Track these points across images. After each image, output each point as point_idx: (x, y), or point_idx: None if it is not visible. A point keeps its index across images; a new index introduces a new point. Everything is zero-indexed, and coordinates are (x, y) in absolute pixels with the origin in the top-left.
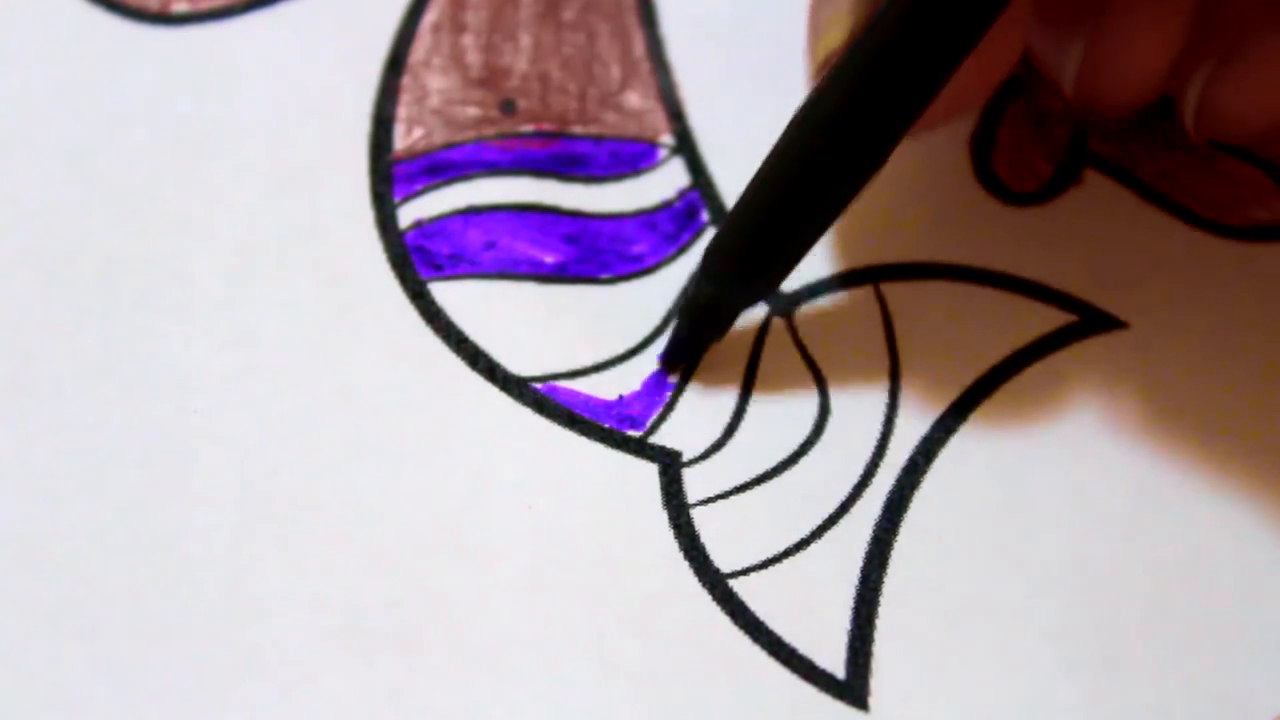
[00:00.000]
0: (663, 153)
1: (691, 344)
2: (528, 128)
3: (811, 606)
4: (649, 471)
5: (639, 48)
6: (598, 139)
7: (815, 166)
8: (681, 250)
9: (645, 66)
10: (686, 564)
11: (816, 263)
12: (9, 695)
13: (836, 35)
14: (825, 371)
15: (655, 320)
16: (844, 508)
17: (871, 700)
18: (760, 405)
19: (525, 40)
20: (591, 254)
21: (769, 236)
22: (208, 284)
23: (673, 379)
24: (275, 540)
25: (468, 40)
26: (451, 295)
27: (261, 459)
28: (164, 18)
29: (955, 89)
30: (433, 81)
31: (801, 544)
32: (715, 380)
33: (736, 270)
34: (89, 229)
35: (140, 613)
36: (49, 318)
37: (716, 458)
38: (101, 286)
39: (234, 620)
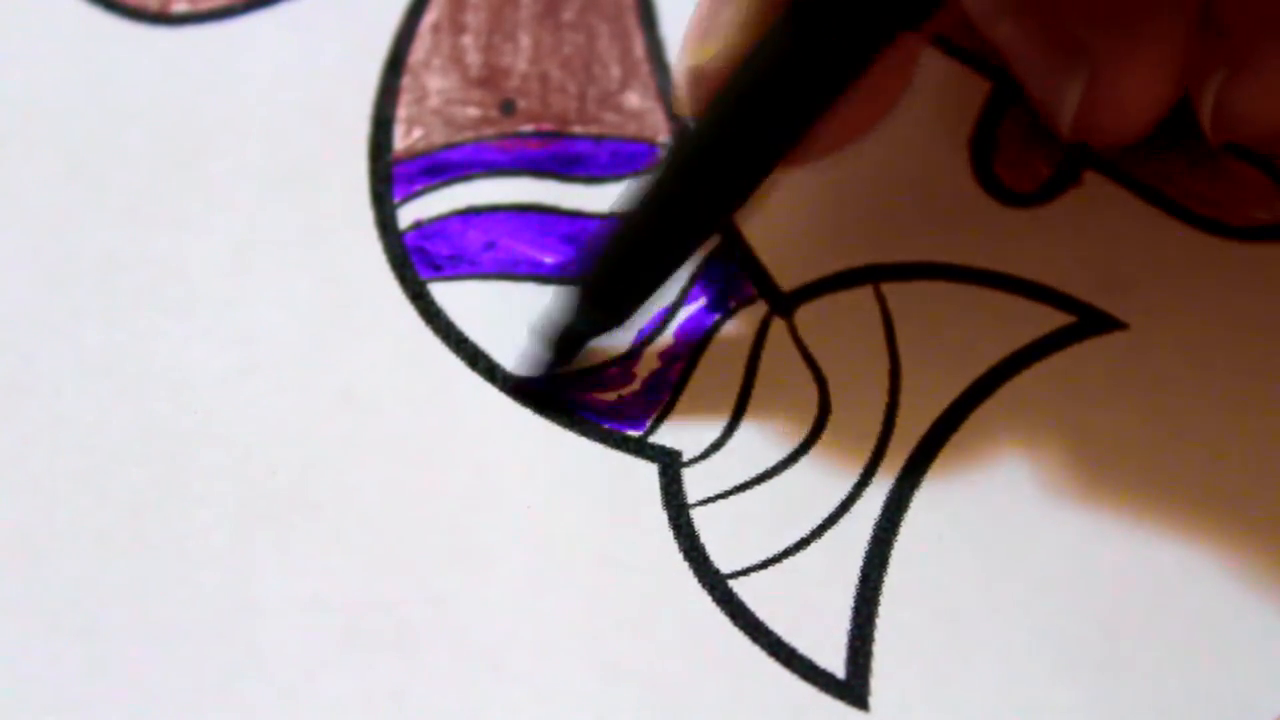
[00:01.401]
0: (662, 153)
1: (547, 370)
2: (527, 128)
3: (811, 606)
4: (649, 471)
5: (639, 48)
6: (597, 139)
7: (688, 196)
8: None
9: (645, 67)
10: (686, 564)
11: (816, 262)
12: (9, 695)
13: (711, 52)
14: (825, 371)
15: (655, 319)
16: (844, 508)
17: (872, 700)
18: (760, 405)
19: (525, 40)
20: None
21: (643, 268)
22: (207, 284)
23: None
24: (275, 540)
25: (467, 40)
26: (451, 296)
27: (261, 459)
28: (164, 18)
29: (841, 121)
30: (432, 82)
31: (801, 544)
32: (715, 380)
33: (610, 300)
34: (89, 229)
35: (140, 612)
36: (49, 318)
37: (716, 457)
38: (101, 286)
39: (234, 620)
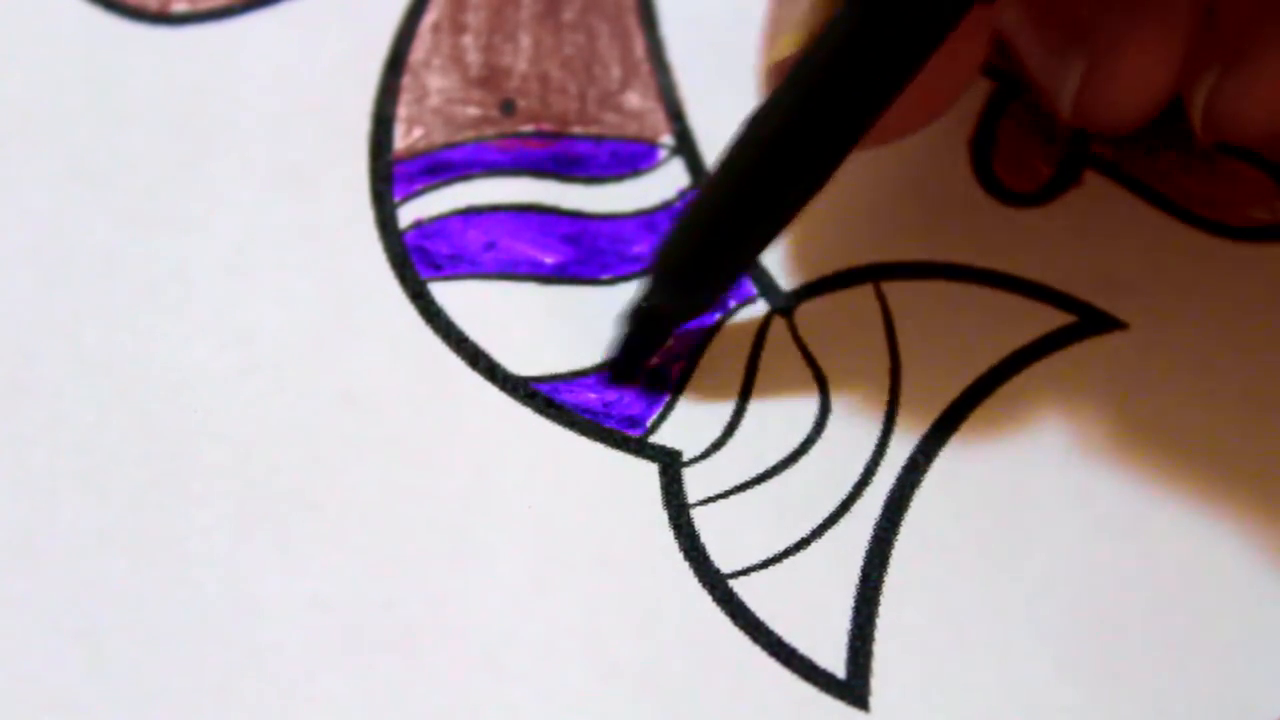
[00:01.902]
0: (663, 153)
1: (635, 356)
2: (528, 128)
3: (812, 606)
4: (649, 471)
5: (639, 48)
6: (598, 139)
7: (764, 176)
8: None
9: (645, 67)
10: (686, 564)
11: (816, 261)
12: (9, 695)
13: (788, 42)
14: (825, 370)
15: None
16: (844, 507)
17: (872, 700)
18: (760, 404)
19: (525, 40)
20: (591, 254)
21: (719, 247)
22: (207, 283)
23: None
24: (275, 540)
25: (468, 40)
26: (451, 295)
27: (261, 458)
28: (164, 17)
29: (913, 100)
30: (433, 81)
31: (802, 543)
32: (715, 380)
33: (686, 281)
34: (89, 228)
35: (139, 613)
36: (49, 317)
37: (717, 457)
38: (101, 286)
39: (234, 620)
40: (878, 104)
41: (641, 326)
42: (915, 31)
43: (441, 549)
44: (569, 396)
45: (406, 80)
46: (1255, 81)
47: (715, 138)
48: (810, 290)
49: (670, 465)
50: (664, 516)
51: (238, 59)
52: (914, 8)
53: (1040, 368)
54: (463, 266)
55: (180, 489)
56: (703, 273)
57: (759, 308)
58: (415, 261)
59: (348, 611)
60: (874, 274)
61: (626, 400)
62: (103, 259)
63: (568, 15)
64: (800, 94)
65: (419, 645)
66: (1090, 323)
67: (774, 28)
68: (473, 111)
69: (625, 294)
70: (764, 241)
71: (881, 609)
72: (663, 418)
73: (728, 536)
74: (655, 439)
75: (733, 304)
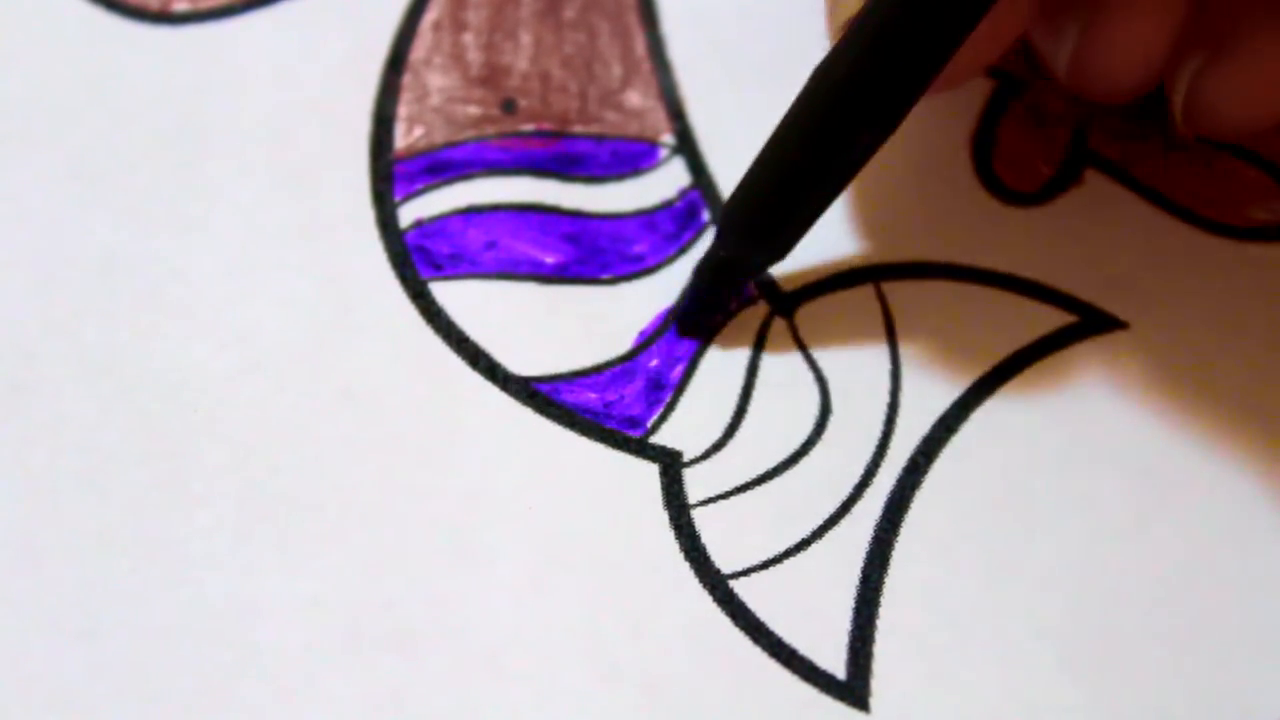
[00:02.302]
0: (663, 152)
1: (704, 307)
2: (528, 127)
3: (812, 607)
4: (649, 472)
5: (640, 47)
6: (598, 138)
7: (832, 124)
8: (682, 250)
9: (646, 66)
10: (687, 565)
11: (817, 262)
12: (10, 696)
13: (854, 2)
14: (826, 371)
15: (656, 319)
16: (845, 508)
17: (872, 701)
18: (761, 405)
19: (526, 39)
20: (592, 254)
21: (783, 195)
22: (208, 283)
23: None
24: (275, 540)
25: (468, 39)
26: (452, 295)
27: (262, 459)
28: (165, 17)
29: (966, 50)
30: (433, 80)
31: (802, 544)
32: (716, 380)
33: (751, 229)
34: (90, 228)
35: (140, 613)
36: (49, 317)
37: (717, 458)
38: (102, 286)
39: (234, 620)
40: (941, 52)
41: (710, 278)
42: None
43: (442, 549)
44: (569, 396)
45: (407, 79)
46: (1235, 73)
47: (716, 136)
48: (811, 291)
49: (671, 466)
50: (664, 517)
51: (238, 58)
52: None
53: (1041, 368)
54: (463, 266)
55: (181, 489)
56: (770, 222)
57: (760, 308)
58: (416, 261)
59: (348, 611)
60: (874, 274)
61: (627, 400)
62: (103, 258)
63: (568, 14)
64: (865, 43)
65: (419, 645)
66: (1091, 323)
67: None
68: (473, 110)
69: (626, 293)
70: (831, 192)
71: (882, 610)
72: (663, 418)
73: (728, 537)
74: (656, 439)
75: (734, 304)
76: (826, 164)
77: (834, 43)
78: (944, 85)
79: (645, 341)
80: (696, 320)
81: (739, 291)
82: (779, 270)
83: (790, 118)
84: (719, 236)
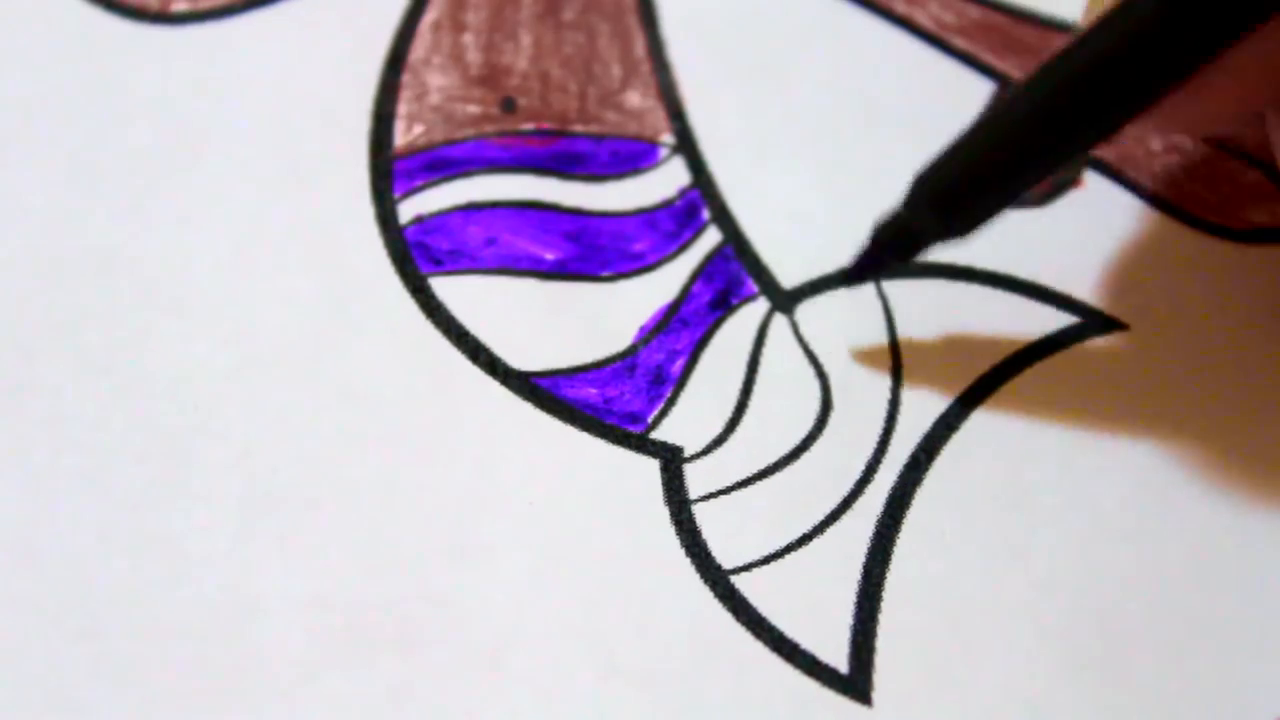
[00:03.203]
0: (663, 152)
1: (875, 264)
2: (528, 126)
3: (814, 602)
4: (650, 467)
5: (639, 47)
6: (598, 138)
7: (1052, 115)
8: (682, 249)
9: (645, 66)
10: (688, 560)
11: (818, 260)
12: (10, 695)
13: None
14: (827, 368)
15: (657, 315)
16: (846, 504)
17: (874, 695)
18: (762, 401)
19: (525, 39)
20: (592, 251)
21: (991, 177)
22: (208, 281)
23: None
24: (275, 538)
25: (468, 39)
26: (452, 290)
27: (262, 456)
28: (164, 17)
29: (1226, 90)
30: (433, 79)
31: (804, 540)
32: (717, 376)
33: (945, 202)
34: (89, 227)
35: (140, 611)
36: (49, 316)
37: (718, 453)
38: (101, 284)
39: (234, 618)
40: (1180, 69)
41: (891, 238)
42: (1225, 11)
43: (442, 546)
44: (570, 391)
45: (407, 78)
46: None
47: (715, 137)
48: (812, 288)
49: (671, 461)
50: (665, 513)
51: (238, 58)
52: None
53: (1041, 368)
54: (463, 262)
55: (180, 487)
56: (966, 200)
57: (761, 305)
58: (416, 257)
59: (348, 608)
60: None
61: (627, 396)
62: (103, 256)
63: (568, 14)
64: (1106, 41)
65: (420, 642)
66: (1091, 324)
67: None
68: (473, 109)
69: (626, 291)
70: (1033, 180)
71: (884, 605)
72: (664, 413)
73: (729, 533)
74: (656, 435)
75: (734, 301)
76: (1039, 154)
77: (1087, 22)
78: (1193, 127)
79: (646, 336)
80: (863, 275)
81: (908, 257)
82: (780, 268)
83: (1017, 99)
84: (909, 203)
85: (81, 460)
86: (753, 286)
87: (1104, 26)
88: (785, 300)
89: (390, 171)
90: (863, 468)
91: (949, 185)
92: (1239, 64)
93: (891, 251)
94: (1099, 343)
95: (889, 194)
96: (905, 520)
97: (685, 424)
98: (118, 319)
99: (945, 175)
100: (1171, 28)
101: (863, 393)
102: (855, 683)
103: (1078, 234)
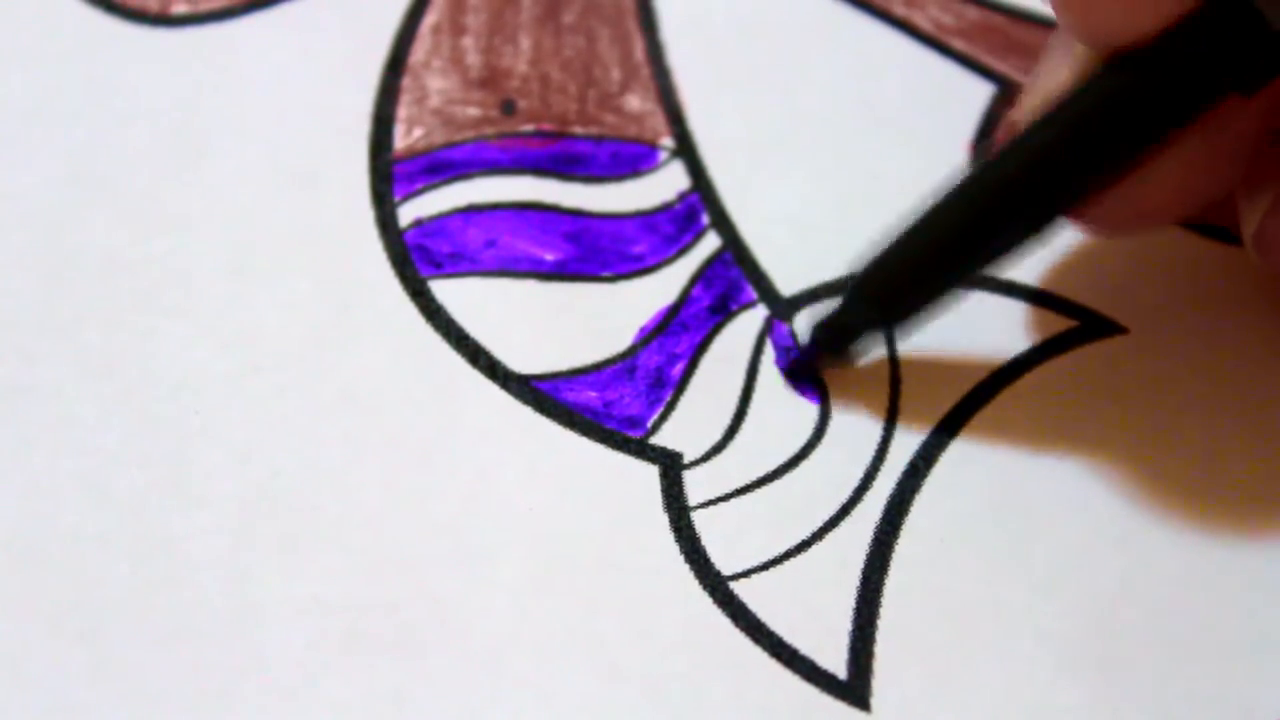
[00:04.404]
0: (663, 155)
1: (815, 360)
2: (528, 128)
3: (813, 608)
4: (650, 473)
5: (639, 51)
6: (598, 139)
7: (994, 219)
8: (682, 252)
9: (645, 70)
10: (687, 566)
11: (816, 266)
12: (9, 697)
13: (1031, 105)
14: (825, 375)
15: (656, 317)
16: (845, 510)
17: (873, 701)
18: (761, 408)
19: (525, 43)
20: (592, 252)
21: (925, 278)
22: (208, 284)
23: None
24: (276, 542)
25: (468, 42)
26: (451, 293)
27: (262, 459)
28: (164, 19)
29: (1167, 190)
30: (433, 82)
31: (802, 546)
32: (716, 383)
33: (884, 304)
34: (89, 230)
35: (140, 615)
36: (49, 318)
37: (718, 460)
38: (102, 287)
39: (234, 622)
40: (1105, 176)
41: (829, 338)
42: (1149, 116)
43: (442, 550)
44: (570, 395)
45: (406, 81)
46: None
47: (715, 141)
48: (810, 295)
49: (671, 467)
50: (665, 519)
51: (238, 60)
52: (1162, 85)
53: (1041, 372)
54: (463, 264)
55: (181, 490)
56: (903, 300)
57: (759, 311)
58: (415, 260)
59: (348, 612)
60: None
61: (627, 399)
62: (103, 260)
63: (568, 18)
64: (1029, 146)
65: (420, 647)
66: (1091, 328)
67: (1030, 86)
68: (473, 112)
69: (626, 292)
70: (968, 278)
71: (882, 611)
72: (664, 418)
73: (729, 539)
74: (656, 440)
75: (733, 307)
76: (978, 255)
77: (1023, 114)
78: (1137, 225)
79: (646, 338)
80: (807, 370)
81: (840, 349)
82: (778, 275)
83: (945, 202)
84: (849, 304)
85: (82, 463)
86: (752, 293)
87: (1036, 128)
88: (784, 307)
89: (390, 175)
90: (861, 474)
91: (886, 288)
92: (1180, 157)
93: (833, 349)
94: (1098, 347)
95: (889, 199)
96: (904, 526)
97: (684, 430)
98: (118, 321)
99: (882, 278)
100: (1107, 124)
101: (861, 399)
102: (854, 688)
103: (1076, 237)
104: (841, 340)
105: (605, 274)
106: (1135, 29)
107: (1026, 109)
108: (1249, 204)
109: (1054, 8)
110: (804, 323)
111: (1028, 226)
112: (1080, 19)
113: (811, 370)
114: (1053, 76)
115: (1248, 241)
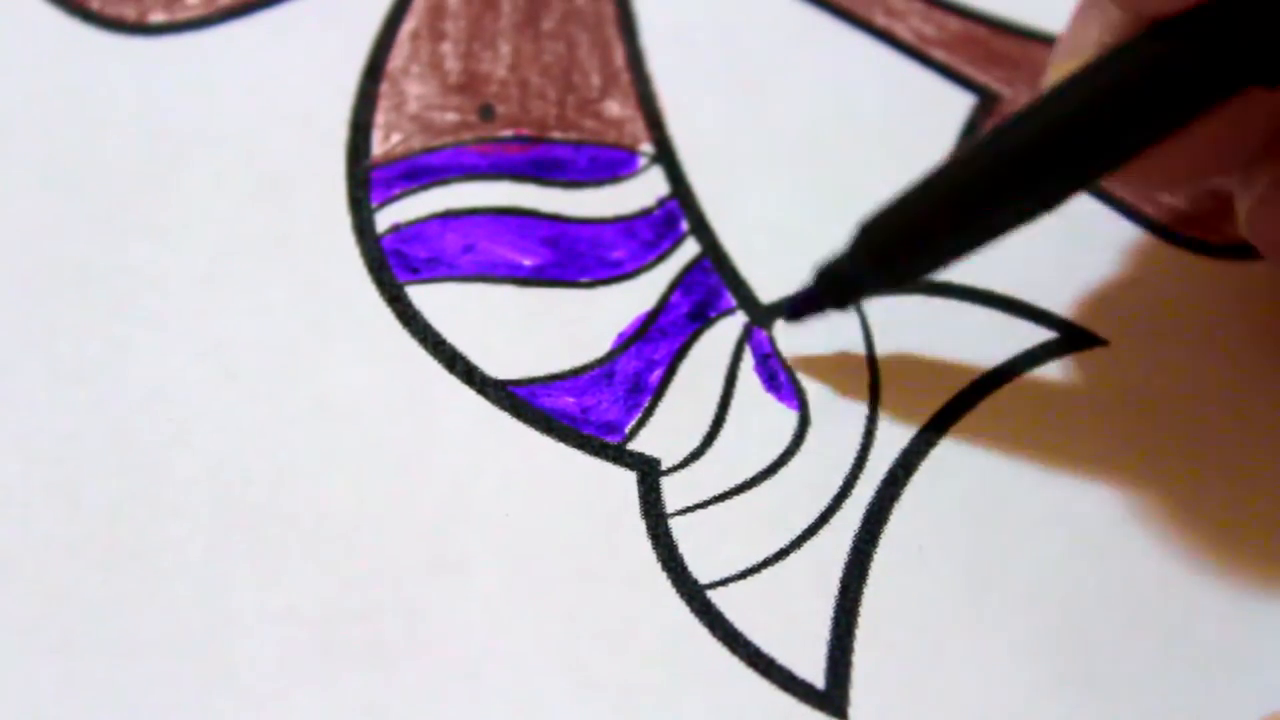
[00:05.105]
0: (642, 160)
1: (814, 307)
2: (506, 133)
3: (791, 617)
4: (628, 480)
5: (619, 57)
6: (577, 144)
7: (1001, 182)
8: (661, 258)
9: (625, 76)
10: (664, 575)
11: (797, 274)
12: None
13: (1070, 67)
14: (804, 382)
15: (635, 323)
16: (823, 519)
17: (851, 710)
18: (739, 415)
19: (504, 48)
20: (570, 257)
21: (929, 233)
22: (184, 291)
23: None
24: (249, 551)
25: (446, 48)
26: (429, 298)
27: (236, 468)
28: (141, 28)
29: (1187, 154)
30: (411, 88)
31: (780, 555)
32: (694, 389)
33: (887, 257)
34: (65, 238)
35: (113, 624)
36: (23, 327)
37: (695, 467)
38: (77, 295)
39: (208, 631)
40: (1131, 143)
41: (829, 286)
42: (1178, 93)
43: (418, 558)
44: (547, 401)
45: (385, 87)
46: None
47: (694, 147)
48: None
49: (649, 473)
50: (642, 526)
51: (215, 68)
52: (1197, 63)
53: (1021, 383)
54: (440, 269)
55: (154, 500)
56: (909, 253)
57: (738, 319)
58: (392, 265)
59: (322, 623)
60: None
61: (605, 405)
62: (78, 268)
63: (547, 24)
64: (1065, 107)
65: (395, 657)
66: (1071, 339)
67: (1064, 46)
68: (451, 117)
69: (604, 298)
70: (979, 243)
71: (861, 621)
72: (641, 423)
73: (706, 547)
74: (634, 445)
75: (712, 314)
76: (987, 219)
77: (1051, 75)
78: (1157, 184)
79: (624, 344)
80: (800, 316)
81: (847, 303)
82: (758, 282)
83: (962, 160)
84: (852, 252)
85: (55, 471)
86: (731, 300)
87: (1063, 92)
88: (763, 314)
89: (368, 181)
90: (840, 483)
91: (892, 237)
92: (1198, 134)
93: (832, 296)
94: (1078, 358)
95: (868, 208)
96: (883, 536)
97: (662, 436)
98: (92, 330)
99: (889, 226)
100: (1131, 98)
101: (840, 408)
102: (832, 698)
103: (1057, 249)
104: (841, 291)
105: (583, 279)
106: None
107: (1055, 71)
108: (1246, 185)
109: None
110: (782, 331)
111: (1047, 190)
112: None
113: (810, 313)
114: (1085, 39)
115: (1241, 221)
